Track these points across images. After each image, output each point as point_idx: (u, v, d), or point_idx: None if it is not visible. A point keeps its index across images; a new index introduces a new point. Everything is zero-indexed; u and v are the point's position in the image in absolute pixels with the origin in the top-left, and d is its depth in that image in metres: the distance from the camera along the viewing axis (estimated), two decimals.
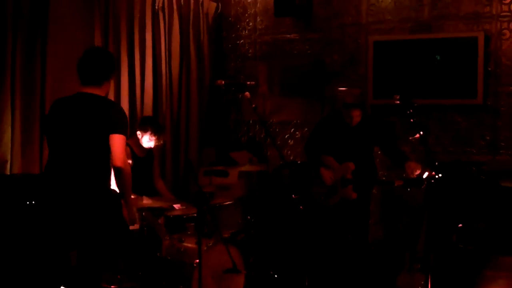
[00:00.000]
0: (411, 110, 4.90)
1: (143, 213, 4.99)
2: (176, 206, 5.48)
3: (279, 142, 7.17)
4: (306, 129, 7.05)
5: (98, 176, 3.98)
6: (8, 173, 5.01)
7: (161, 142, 5.88)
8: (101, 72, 4.09)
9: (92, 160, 3.96)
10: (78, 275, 4.02)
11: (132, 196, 5.24)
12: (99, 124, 3.94)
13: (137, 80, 6.36)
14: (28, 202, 4.44)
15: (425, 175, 4.83)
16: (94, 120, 3.95)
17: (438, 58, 6.28)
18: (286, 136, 7.25)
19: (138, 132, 5.72)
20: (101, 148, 3.95)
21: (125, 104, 6.16)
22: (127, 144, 5.67)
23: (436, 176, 4.74)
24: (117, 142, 3.95)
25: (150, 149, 5.84)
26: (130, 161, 5.58)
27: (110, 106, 4.08)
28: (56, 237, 4.07)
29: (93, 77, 4.06)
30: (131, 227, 5.05)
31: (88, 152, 3.95)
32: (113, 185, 5.50)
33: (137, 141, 5.73)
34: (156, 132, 5.71)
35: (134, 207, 4.29)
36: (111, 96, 6.02)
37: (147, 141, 5.69)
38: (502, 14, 6.08)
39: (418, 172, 5.00)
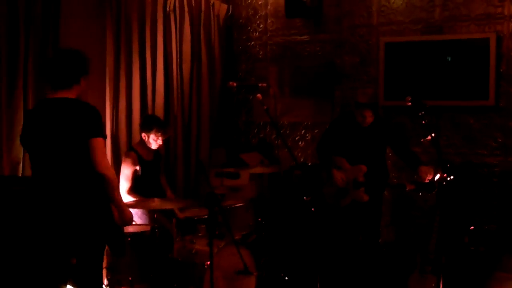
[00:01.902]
0: (422, 112, 4.89)
1: (155, 215, 5.00)
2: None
3: (289, 144, 7.16)
4: (317, 130, 7.05)
5: (83, 183, 3.85)
6: (21, 175, 5.03)
7: (168, 135, 5.84)
8: (68, 75, 3.93)
9: (76, 168, 3.83)
10: (78, 275, 3.98)
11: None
12: (77, 130, 3.80)
13: (149, 81, 6.37)
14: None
15: (437, 177, 4.82)
16: (70, 126, 3.80)
17: (450, 59, 6.26)
18: (297, 138, 7.25)
19: (143, 134, 5.66)
20: (83, 154, 3.80)
21: (136, 106, 6.18)
22: (133, 149, 5.68)
23: (448, 178, 4.73)
24: (97, 146, 3.81)
25: (156, 151, 5.82)
26: (137, 167, 5.60)
27: (84, 109, 3.89)
28: (55, 240, 4.00)
29: (60, 81, 3.92)
30: (141, 229, 5.09)
31: (70, 160, 3.82)
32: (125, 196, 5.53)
33: (144, 145, 5.69)
34: (161, 127, 5.65)
35: (127, 209, 4.21)
36: (123, 98, 6.05)
37: (154, 139, 5.63)
38: None
39: (430, 177, 4.98)
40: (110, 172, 3.90)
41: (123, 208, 4.09)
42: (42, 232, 3.91)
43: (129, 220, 4.15)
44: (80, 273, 3.94)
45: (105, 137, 3.90)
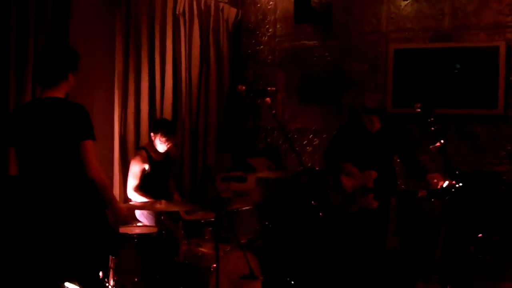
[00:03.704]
0: (431, 119, 4.87)
1: (162, 217, 4.99)
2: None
3: (297, 149, 7.16)
4: (324, 136, 7.04)
5: (73, 185, 3.74)
6: None
7: (172, 144, 5.77)
8: (55, 71, 3.75)
9: (65, 169, 3.72)
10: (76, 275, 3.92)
11: (149, 200, 5.30)
12: (67, 132, 3.67)
13: (157, 84, 6.38)
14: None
15: (445, 183, 4.79)
16: (60, 128, 3.67)
17: (459, 67, 6.25)
18: (304, 143, 7.24)
19: (152, 134, 5.71)
20: (72, 156, 3.70)
21: (144, 108, 6.19)
22: (143, 148, 5.70)
23: (456, 185, 4.71)
24: (88, 150, 3.70)
25: (167, 152, 5.84)
26: (146, 166, 5.61)
27: (73, 110, 3.74)
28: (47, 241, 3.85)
29: (47, 78, 3.75)
30: (148, 231, 5.08)
31: (60, 161, 3.70)
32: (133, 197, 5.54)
33: (153, 145, 5.73)
34: (166, 133, 5.65)
35: (122, 208, 4.13)
36: (132, 100, 6.06)
37: (159, 143, 5.67)
38: None
39: (441, 183, 4.94)
40: (102, 177, 3.81)
41: (117, 208, 4.01)
42: (34, 234, 3.77)
43: (123, 218, 4.09)
44: (78, 273, 3.84)
45: (94, 138, 3.79)
